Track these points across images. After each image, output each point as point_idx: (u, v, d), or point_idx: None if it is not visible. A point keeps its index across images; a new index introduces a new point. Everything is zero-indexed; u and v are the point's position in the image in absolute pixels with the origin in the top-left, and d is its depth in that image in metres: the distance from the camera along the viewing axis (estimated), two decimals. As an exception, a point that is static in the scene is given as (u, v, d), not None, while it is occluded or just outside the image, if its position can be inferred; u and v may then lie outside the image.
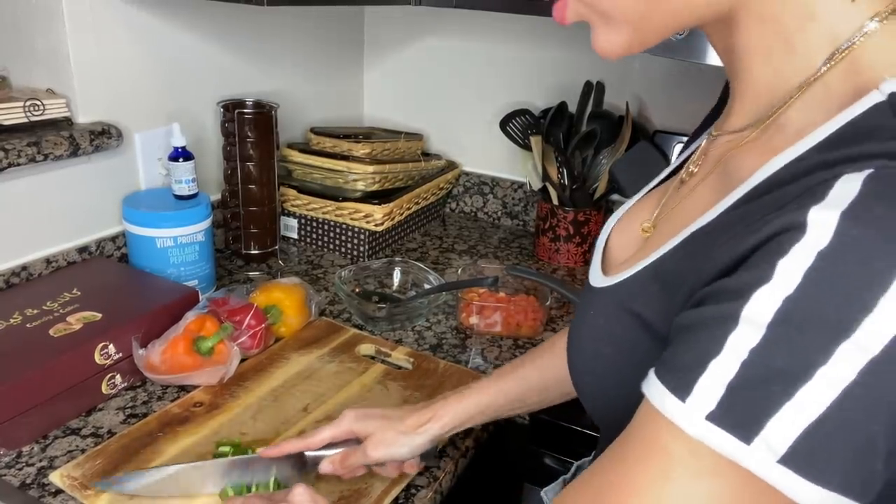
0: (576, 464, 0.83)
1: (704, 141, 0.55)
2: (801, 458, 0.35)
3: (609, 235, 0.62)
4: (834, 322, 0.34)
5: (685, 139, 1.32)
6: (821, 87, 0.43)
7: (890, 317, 0.34)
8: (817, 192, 0.36)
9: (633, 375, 0.44)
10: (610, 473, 0.43)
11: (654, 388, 0.41)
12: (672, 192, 0.57)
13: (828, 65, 0.42)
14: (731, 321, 0.37)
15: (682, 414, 0.38)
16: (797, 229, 0.36)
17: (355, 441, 0.76)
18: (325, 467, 0.75)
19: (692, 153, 0.58)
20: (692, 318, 0.40)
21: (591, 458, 0.82)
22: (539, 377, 0.78)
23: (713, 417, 0.37)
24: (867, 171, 0.35)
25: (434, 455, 0.80)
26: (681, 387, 0.38)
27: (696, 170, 0.54)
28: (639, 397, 0.43)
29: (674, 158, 0.59)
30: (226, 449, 0.80)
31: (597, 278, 0.58)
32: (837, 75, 0.42)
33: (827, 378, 0.34)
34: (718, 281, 0.40)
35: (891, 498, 0.41)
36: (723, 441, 0.37)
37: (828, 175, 0.37)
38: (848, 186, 0.35)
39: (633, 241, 0.58)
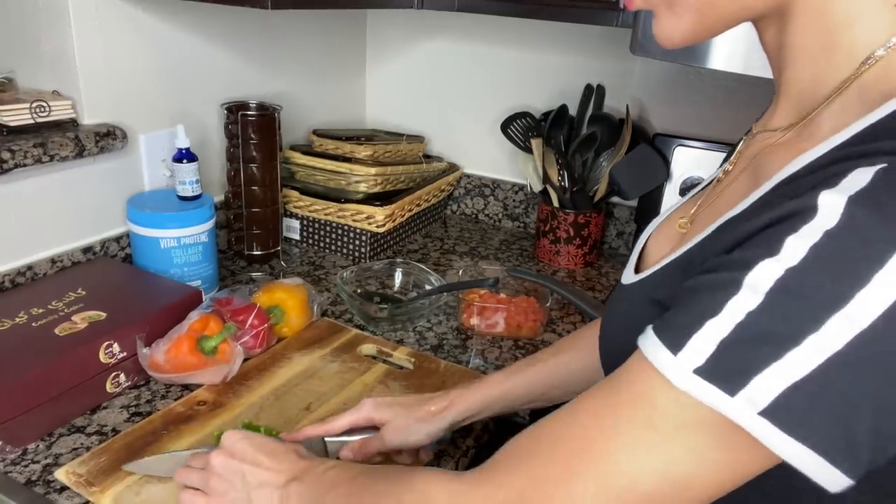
0: None
1: (742, 142, 0.57)
2: (781, 412, 0.37)
3: (647, 240, 0.64)
4: (829, 294, 0.36)
5: (685, 142, 1.34)
6: (856, 89, 0.43)
7: (882, 292, 0.35)
8: (830, 181, 0.38)
9: None
10: (594, 416, 0.44)
11: (648, 342, 0.43)
12: (709, 191, 0.59)
13: (864, 67, 0.43)
14: (733, 286, 0.39)
15: (671, 367, 0.40)
16: (808, 210, 0.38)
17: (373, 428, 0.78)
18: (344, 453, 0.77)
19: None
20: (697, 282, 0.42)
21: None
22: (564, 371, 0.80)
23: (701, 371, 0.39)
24: (880, 165, 0.37)
25: (447, 440, 0.81)
26: (674, 342, 0.41)
27: (731, 168, 0.56)
28: None
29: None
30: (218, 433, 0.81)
31: (628, 277, 0.60)
32: (872, 79, 0.43)
33: (815, 345, 0.36)
34: (728, 253, 0.42)
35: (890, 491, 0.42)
36: (707, 393, 0.39)
37: (842, 167, 0.39)
38: (860, 177, 0.37)
39: (670, 239, 0.60)
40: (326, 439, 0.77)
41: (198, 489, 0.67)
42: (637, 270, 0.60)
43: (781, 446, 0.37)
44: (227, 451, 0.66)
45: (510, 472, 0.47)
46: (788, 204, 0.39)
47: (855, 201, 0.36)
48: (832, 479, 0.37)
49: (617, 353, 0.57)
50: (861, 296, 0.35)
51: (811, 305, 0.36)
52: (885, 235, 0.35)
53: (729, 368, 0.38)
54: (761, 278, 0.38)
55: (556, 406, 0.50)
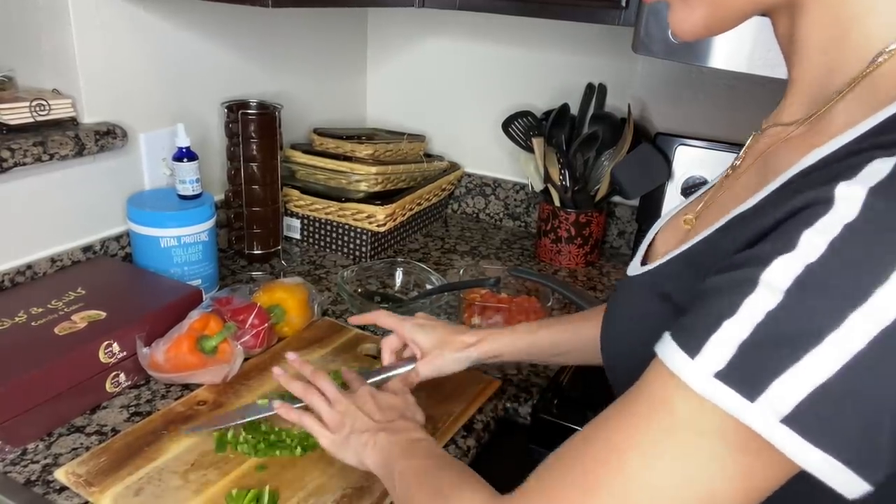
0: None
1: (751, 137, 0.56)
2: (803, 419, 0.36)
3: (654, 236, 0.64)
4: (849, 290, 0.35)
5: (687, 141, 1.34)
6: (869, 83, 0.42)
7: None
8: (847, 173, 0.37)
9: None
10: (612, 429, 0.43)
11: (666, 347, 0.41)
12: (716, 187, 0.58)
13: (878, 61, 0.42)
14: (749, 285, 0.38)
15: (690, 371, 0.39)
16: (824, 203, 0.36)
17: (411, 360, 0.88)
18: (394, 385, 0.84)
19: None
20: (712, 283, 0.41)
21: None
22: (588, 335, 0.83)
23: (721, 375, 0.37)
24: None
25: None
26: (692, 345, 0.39)
27: (738, 164, 0.56)
28: None
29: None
30: (264, 402, 0.86)
31: (634, 269, 0.60)
32: (886, 73, 0.42)
33: (836, 345, 0.35)
34: (742, 252, 0.40)
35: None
36: (727, 398, 0.37)
37: (859, 159, 0.37)
38: (879, 167, 0.36)
39: (676, 235, 0.59)
40: (368, 380, 0.85)
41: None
42: (643, 264, 0.60)
43: (803, 455, 0.36)
44: (355, 398, 0.75)
45: (539, 492, 0.47)
46: (801, 197, 0.38)
47: (875, 192, 0.35)
48: (852, 486, 0.36)
49: (617, 341, 0.58)
50: (882, 292, 0.34)
51: (830, 302, 0.35)
52: None
53: (749, 372, 0.37)
54: (779, 276, 0.36)
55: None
